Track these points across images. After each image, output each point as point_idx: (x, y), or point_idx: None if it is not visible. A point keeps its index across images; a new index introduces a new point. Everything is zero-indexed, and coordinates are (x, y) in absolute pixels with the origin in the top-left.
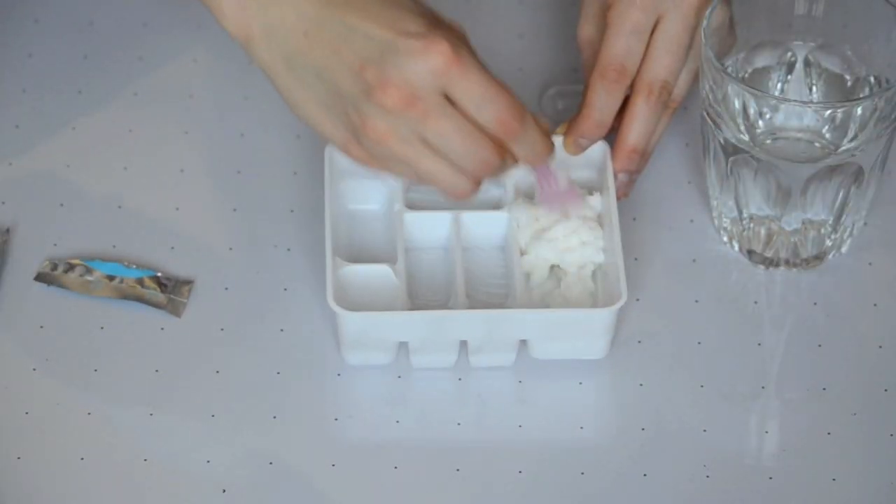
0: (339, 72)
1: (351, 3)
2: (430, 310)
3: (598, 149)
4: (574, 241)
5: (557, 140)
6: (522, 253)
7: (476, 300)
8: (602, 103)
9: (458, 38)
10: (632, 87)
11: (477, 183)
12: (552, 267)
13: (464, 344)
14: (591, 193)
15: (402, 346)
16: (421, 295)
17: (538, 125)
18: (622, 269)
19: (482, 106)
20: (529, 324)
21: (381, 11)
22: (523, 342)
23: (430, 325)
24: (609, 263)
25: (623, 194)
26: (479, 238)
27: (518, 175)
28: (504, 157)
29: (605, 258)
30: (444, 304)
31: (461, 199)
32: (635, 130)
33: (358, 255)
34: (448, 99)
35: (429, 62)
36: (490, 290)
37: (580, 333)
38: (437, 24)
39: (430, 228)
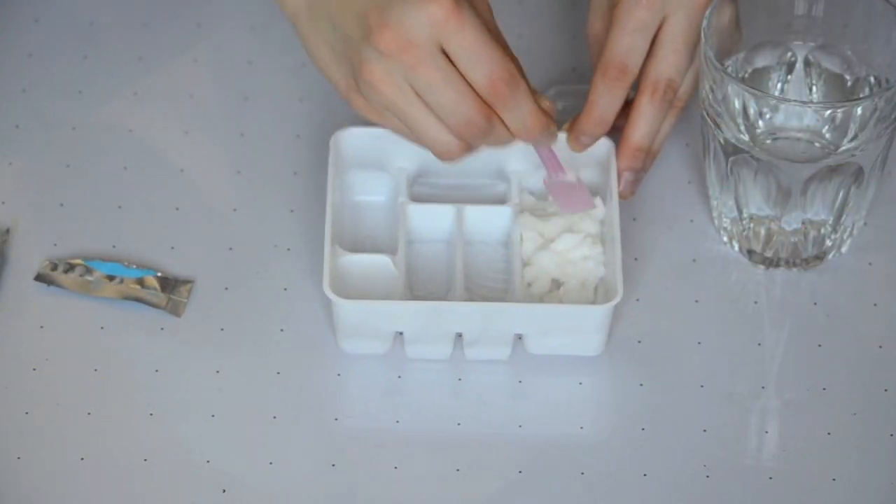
0: (348, 16)
1: None
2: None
3: (603, 147)
4: (576, 254)
5: (562, 136)
6: (525, 264)
7: (475, 294)
8: (604, 101)
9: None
10: (637, 85)
11: (466, 146)
12: (553, 280)
13: (459, 337)
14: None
15: (399, 338)
16: (420, 287)
17: (534, 99)
18: (619, 267)
19: (473, 63)
20: (525, 318)
21: None
22: (519, 337)
23: (425, 316)
24: (607, 262)
25: (629, 193)
26: (482, 232)
27: (523, 173)
28: (492, 120)
29: (606, 268)
30: (443, 297)
31: (449, 161)
32: (640, 129)
33: (361, 246)
34: (445, 54)
35: (428, 11)
36: (490, 285)
37: (575, 329)
38: None
39: (432, 221)
